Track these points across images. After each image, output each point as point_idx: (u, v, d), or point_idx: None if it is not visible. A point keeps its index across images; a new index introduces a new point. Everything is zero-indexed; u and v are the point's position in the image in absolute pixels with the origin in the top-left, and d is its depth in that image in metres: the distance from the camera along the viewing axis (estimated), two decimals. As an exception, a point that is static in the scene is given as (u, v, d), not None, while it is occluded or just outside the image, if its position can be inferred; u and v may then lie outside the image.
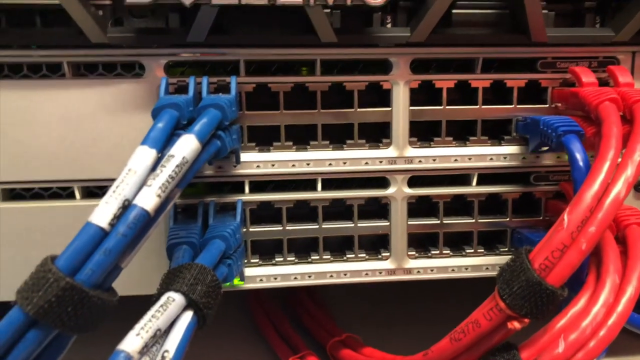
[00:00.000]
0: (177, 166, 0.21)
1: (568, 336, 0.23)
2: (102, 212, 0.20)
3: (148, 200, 0.20)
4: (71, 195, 0.29)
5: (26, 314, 0.18)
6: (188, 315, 0.21)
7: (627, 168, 0.23)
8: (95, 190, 0.29)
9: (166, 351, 0.20)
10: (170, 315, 0.21)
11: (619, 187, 0.23)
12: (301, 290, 0.41)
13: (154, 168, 0.21)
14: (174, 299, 0.21)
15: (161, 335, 0.20)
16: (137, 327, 0.20)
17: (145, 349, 0.20)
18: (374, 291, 0.42)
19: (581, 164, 0.25)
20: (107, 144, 0.28)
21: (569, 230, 0.22)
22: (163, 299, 0.21)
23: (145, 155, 0.21)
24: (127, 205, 0.20)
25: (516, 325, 0.23)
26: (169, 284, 0.22)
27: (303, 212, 0.30)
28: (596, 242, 0.22)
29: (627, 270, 0.24)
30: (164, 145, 0.22)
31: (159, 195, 0.20)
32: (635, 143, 0.24)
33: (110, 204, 0.20)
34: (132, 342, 0.19)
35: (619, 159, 0.24)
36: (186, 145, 0.22)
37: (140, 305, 0.22)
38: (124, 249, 0.20)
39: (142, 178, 0.21)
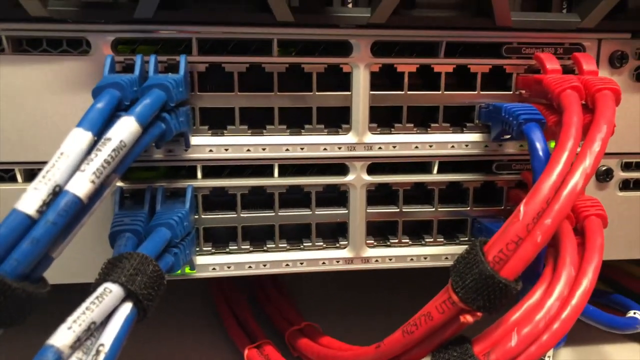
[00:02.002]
0: (114, 150, 0.20)
1: (521, 330, 0.22)
2: (30, 199, 0.18)
3: (81, 186, 0.19)
4: (13, 179, 0.27)
5: (-55, 307, 0.17)
6: (127, 307, 0.20)
7: (586, 159, 0.22)
8: (38, 172, 0.28)
9: (101, 345, 0.19)
10: (106, 307, 0.20)
11: (576, 178, 0.22)
12: (266, 278, 0.40)
13: (89, 152, 0.20)
14: (111, 290, 0.20)
15: (96, 329, 0.19)
16: (70, 320, 0.19)
17: (78, 343, 0.19)
18: (342, 279, 0.42)
19: (541, 153, 0.24)
20: (51, 124, 0.26)
21: (525, 222, 0.21)
22: (99, 290, 0.20)
23: (80, 137, 0.20)
24: (57, 192, 0.19)
25: (469, 318, 0.22)
26: (107, 275, 0.20)
27: (259, 198, 0.29)
28: (551, 234, 0.22)
29: (583, 263, 0.24)
30: (101, 127, 0.21)
31: (92, 181, 0.19)
32: (595, 133, 0.23)
33: (39, 189, 0.19)
34: (63, 336, 0.18)
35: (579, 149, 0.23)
36: (125, 128, 0.20)
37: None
38: (54, 238, 0.18)
39: (75, 162, 0.19)
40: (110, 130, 0.20)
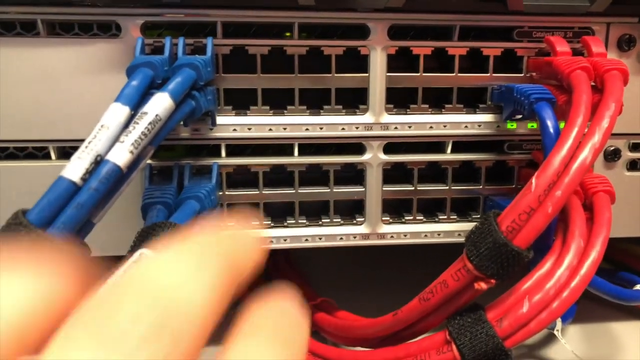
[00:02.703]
0: (150, 123, 0.21)
1: (532, 297, 0.24)
2: (75, 167, 0.20)
3: (120, 155, 0.20)
4: (47, 156, 0.29)
5: (-3, 267, 0.18)
6: (161, 272, 0.21)
7: (595, 135, 0.23)
8: (71, 150, 0.29)
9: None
10: (142, 272, 0.21)
11: (585, 153, 0.23)
12: (279, 255, 0.41)
13: (127, 125, 0.21)
14: (147, 256, 0.21)
15: (133, 291, 0.21)
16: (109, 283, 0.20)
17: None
18: (351, 255, 0.43)
19: (551, 130, 0.25)
20: (83, 104, 0.28)
21: (537, 194, 0.23)
22: (135, 255, 0.21)
23: (118, 111, 0.21)
24: (99, 161, 0.20)
25: (483, 285, 0.23)
26: (142, 241, 0.22)
27: (280, 176, 0.30)
28: (562, 205, 0.23)
29: (591, 236, 0.25)
30: (137, 103, 0.22)
31: (131, 152, 0.20)
32: (604, 110, 0.24)
33: (82, 159, 0.20)
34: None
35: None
36: (159, 103, 0.22)
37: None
38: (96, 204, 0.20)
39: (114, 134, 0.21)
40: (147, 105, 0.21)
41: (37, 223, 0.19)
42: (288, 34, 0.29)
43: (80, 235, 0.20)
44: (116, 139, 0.21)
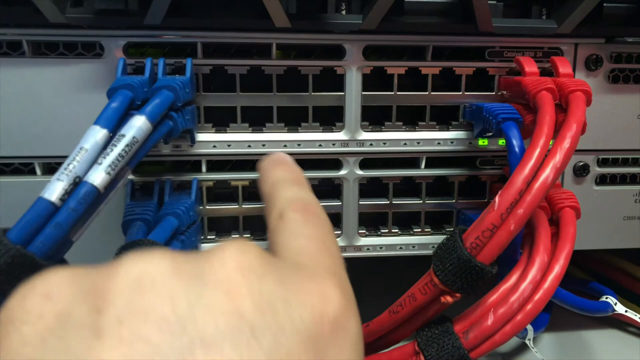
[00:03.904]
0: (127, 145, 0.22)
1: (497, 310, 0.25)
2: (54, 188, 0.21)
3: (98, 177, 0.21)
4: (32, 172, 0.30)
5: (-21, 282, 0.19)
6: (138, 287, 0.22)
7: (556, 155, 0.24)
8: (56, 166, 0.30)
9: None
10: (120, 287, 0.22)
11: (547, 172, 0.24)
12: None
13: (105, 146, 0.22)
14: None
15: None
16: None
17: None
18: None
19: (517, 149, 0.26)
20: (68, 122, 0.29)
21: (499, 212, 0.24)
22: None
23: (97, 134, 0.22)
24: (77, 182, 0.21)
25: (449, 299, 0.24)
26: (121, 257, 0.23)
27: (258, 191, 0.31)
28: (524, 222, 0.24)
29: (556, 250, 0.26)
30: (116, 124, 0.23)
31: (108, 173, 0.21)
32: (566, 131, 0.25)
33: (61, 180, 0.21)
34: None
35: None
36: (137, 125, 0.23)
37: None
38: (74, 223, 0.21)
39: (93, 156, 0.22)
40: (124, 127, 0.22)
41: (17, 241, 0.20)
42: (279, 52, 0.30)
43: (60, 253, 0.21)
44: (94, 161, 0.21)
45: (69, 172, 0.21)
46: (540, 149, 0.24)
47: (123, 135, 0.22)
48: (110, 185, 0.22)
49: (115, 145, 0.22)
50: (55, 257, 0.21)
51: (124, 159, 0.22)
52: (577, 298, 0.29)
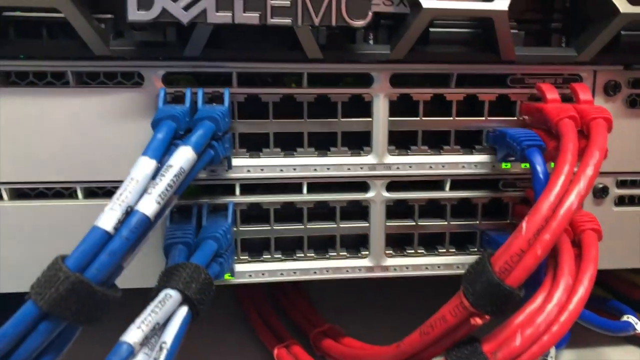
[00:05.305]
0: (175, 176, 0.23)
1: (524, 331, 0.26)
2: (108, 217, 0.22)
3: (149, 206, 0.22)
4: (73, 195, 0.31)
5: (39, 308, 0.20)
6: (183, 310, 0.23)
7: (580, 182, 0.26)
8: (96, 190, 0.31)
9: (164, 342, 0.22)
10: (167, 311, 0.23)
11: (571, 199, 0.25)
12: (288, 282, 0.43)
13: (154, 176, 0.23)
14: (172, 296, 0.23)
15: (159, 329, 0.23)
16: (138, 320, 0.22)
17: (145, 341, 0.22)
18: (356, 286, 0.45)
19: (541, 176, 0.27)
20: (108, 148, 0.30)
21: (527, 237, 0.25)
22: (161, 295, 0.23)
23: (146, 165, 0.23)
24: (129, 212, 0.22)
25: (478, 321, 0.25)
26: (166, 282, 0.24)
27: (289, 213, 0.32)
28: (550, 247, 0.25)
29: (579, 272, 0.27)
30: (163, 154, 0.24)
31: (158, 202, 0.23)
32: (589, 159, 0.26)
33: (114, 210, 0.22)
34: (134, 334, 0.21)
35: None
36: (183, 156, 0.24)
37: (134, 297, 0.24)
38: (127, 251, 0.22)
39: (143, 186, 0.23)
40: (172, 158, 0.24)
41: (74, 268, 0.21)
42: (294, 84, 0.31)
43: (112, 279, 0.22)
44: (144, 191, 0.23)
45: (122, 202, 0.22)
46: (565, 176, 0.25)
47: (171, 166, 0.23)
48: (159, 213, 0.23)
49: (163, 175, 0.23)
50: (108, 282, 0.22)
51: (172, 189, 0.23)
52: (600, 319, 0.30)
